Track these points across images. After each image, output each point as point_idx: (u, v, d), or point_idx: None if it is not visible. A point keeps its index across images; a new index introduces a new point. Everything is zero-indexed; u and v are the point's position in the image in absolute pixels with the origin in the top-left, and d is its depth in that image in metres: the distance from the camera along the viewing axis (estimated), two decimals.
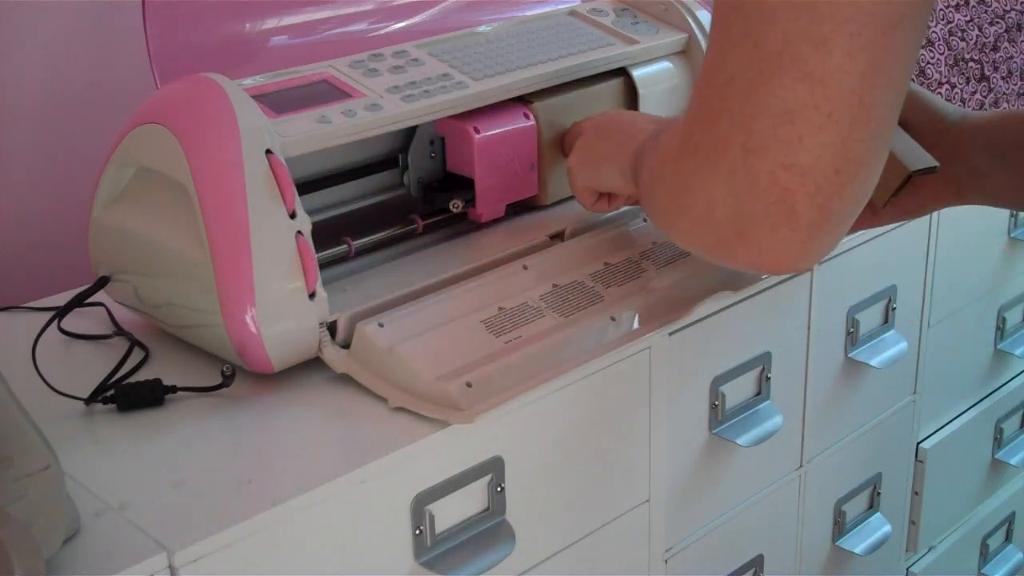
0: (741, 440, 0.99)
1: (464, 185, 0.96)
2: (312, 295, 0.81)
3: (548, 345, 0.84)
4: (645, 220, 0.99)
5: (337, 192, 0.97)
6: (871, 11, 0.54)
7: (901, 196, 0.88)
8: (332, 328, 0.83)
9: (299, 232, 0.80)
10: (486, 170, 0.96)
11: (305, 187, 0.91)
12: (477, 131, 0.94)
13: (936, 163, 0.86)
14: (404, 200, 0.99)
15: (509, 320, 0.85)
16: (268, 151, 0.80)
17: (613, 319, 0.88)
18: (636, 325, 0.89)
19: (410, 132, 0.97)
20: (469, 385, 0.78)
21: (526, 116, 0.98)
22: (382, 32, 1.09)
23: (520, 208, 1.02)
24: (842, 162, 0.57)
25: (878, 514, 1.26)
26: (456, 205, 0.96)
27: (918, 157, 0.86)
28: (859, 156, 0.58)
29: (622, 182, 0.89)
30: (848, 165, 0.58)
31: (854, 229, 0.93)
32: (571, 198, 1.01)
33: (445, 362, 0.80)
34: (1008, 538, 1.54)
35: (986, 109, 1.97)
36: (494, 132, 0.95)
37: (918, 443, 1.32)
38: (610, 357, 0.86)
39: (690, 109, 0.63)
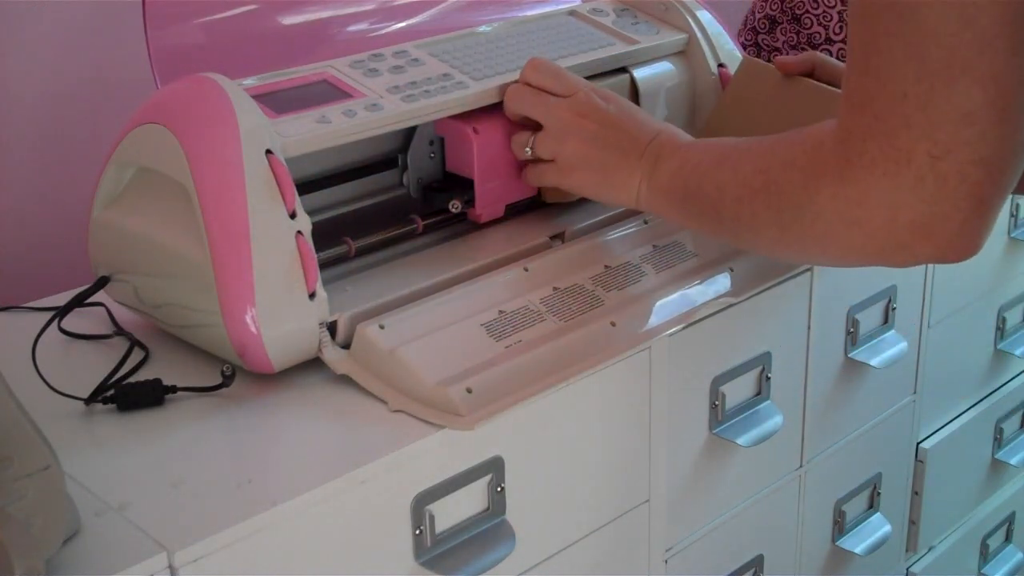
0: (741, 440, 0.99)
1: (463, 185, 0.96)
2: (312, 295, 0.81)
3: (548, 351, 0.84)
4: (647, 222, 0.99)
5: (336, 192, 0.97)
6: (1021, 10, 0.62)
7: None
8: (332, 328, 0.83)
9: (299, 232, 0.80)
10: (485, 170, 0.96)
11: (305, 187, 0.91)
12: (476, 131, 0.94)
13: None
14: (403, 200, 0.99)
15: (509, 324, 0.85)
16: (268, 151, 0.80)
17: (613, 324, 0.88)
18: (636, 331, 0.89)
19: (409, 132, 0.97)
20: (469, 391, 0.78)
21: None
22: (382, 32, 1.08)
23: (520, 208, 1.02)
24: (1016, 144, 0.64)
25: (878, 514, 1.26)
26: (455, 205, 0.96)
27: None
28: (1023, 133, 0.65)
29: (630, 195, 0.90)
30: (1018, 145, 0.65)
31: None
32: (571, 200, 1.01)
33: (445, 366, 0.80)
34: (1008, 538, 1.54)
35: None
36: (494, 132, 0.95)
37: (918, 443, 1.32)
38: (610, 358, 0.86)
39: (850, 129, 0.67)
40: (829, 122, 0.71)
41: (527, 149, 0.93)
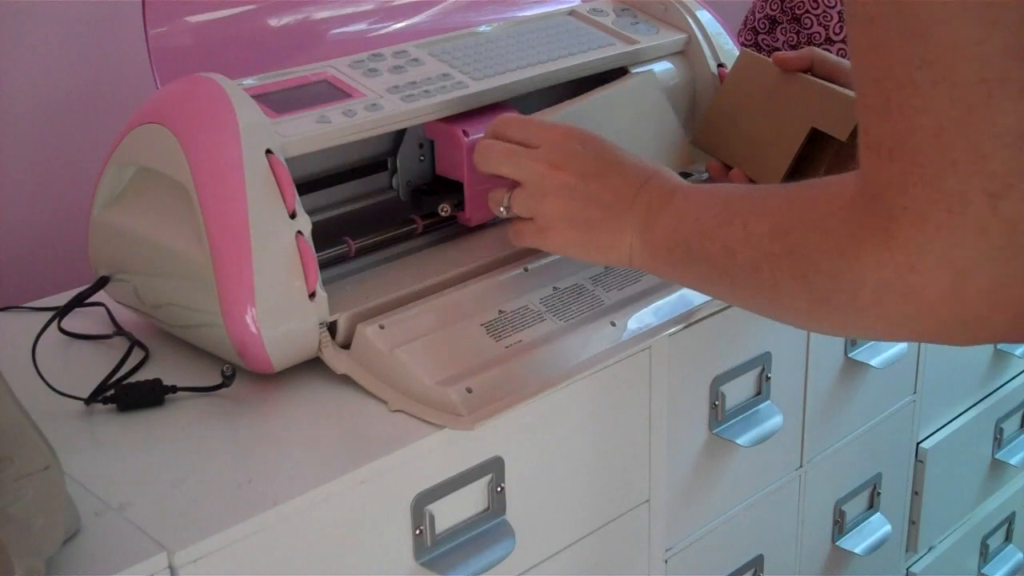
0: (741, 440, 0.99)
1: (453, 188, 0.96)
2: (312, 295, 0.81)
3: (548, 351, 0.84)
4: None
5: (331, 194, 0.96)
6: None
7: (854, 166, 0.91)
8: (332, 328, 0.83)
9: (299, 232, 0.80)
10: (475, 173, 0.95)
11: (304, 187, 0.91)
12: (466, 134, 0.94)
13: None
14: (393, 204, 0.99)
15: (509, 324, 0.85)
16: (268, 151, 0.80)
17: (613, 324, 0.88)
18: (636, 331, 0.89)
19: (399, 135, 0.97)
20: (469, 391, 0.78)
21: None
22: (382, 32, 1.08)
23: None
24: None
25: (878, 514, 1.26)
26: (445, 209, 0.95)
27: None
28: None
29: (620, 255, 0.80)
30: None
31: None
32: None
33: (445, 366, 0.80)
34: (1008, 538, 1.54)
35: None
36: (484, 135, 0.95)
37: (918, 443, 1.32)
38: (610, 357, 0.86)
39: (883, 181, 0.57)
40: (849, 176, 0.61)
41: (502, 208, 0.84)
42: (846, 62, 0.95)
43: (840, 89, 0.93)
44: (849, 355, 1.13)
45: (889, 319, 0.59)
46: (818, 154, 0.95)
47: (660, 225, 0.76)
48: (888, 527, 1.25)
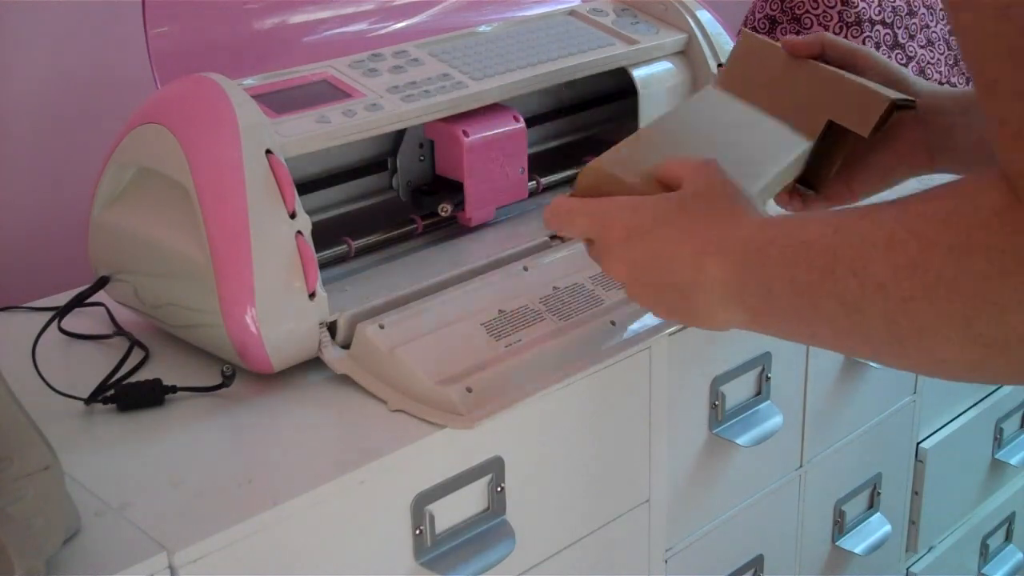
0: (741, 440, 0.99)
1: (453, 188, 0.96)
2: (312, 295, 0.81)
3: (548, 350, 0.84)
4: None
5: (330, 194, 0.96)
6: None
7: (871, 161, 0.86)
8: (332, 328, 0.83)
9: (299, 232, 0.80)
10: (475, 174, 0.95)
11: (304, 187, 0.91)
12: (466, 134, 0.94)
13: (914, 99, 0.84)
14: (393, 204, 0.99)
15: (509, 323, 0.85)
16: (268, 151, 0.80)
17: (613, 323, 0.88)
18: (636, 331, 0.89)
19: (399, 135, 0.97)
20: (469, 390, 0.78)
21: (516, 119, 0.98)
22: (382, 32, 1.08)
23: (515, 208, 1.02)
24: None
25: (878, 514, 1.26)
26: (445, 209, 0.95)
27: (896, 93, 0.84)
28: None
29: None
30: None
31: (833, 204, 0.91)
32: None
33: (445, 366, 0.80)
34: (1008, 538, 1.54)
35: None
36: (484, 135, 0.95)
37: (918, 443, 1.31)
38: (610, 357, 0.86)
39: None
40: (986, 174, 0.50)
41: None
42: (861, 47, 0.88)
43: (858, 79, 0.84)
44: None
45: None
46: (830, 151, 0.86)
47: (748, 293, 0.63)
48: (888, 527, 1.25)
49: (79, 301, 0.91)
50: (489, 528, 0.81)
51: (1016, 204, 0.47)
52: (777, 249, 0.61)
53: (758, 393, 1.03)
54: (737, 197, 0.68)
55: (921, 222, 0.51)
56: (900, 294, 0.51)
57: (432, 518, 0.77)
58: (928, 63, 1.71)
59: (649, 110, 1.06)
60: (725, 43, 1.10)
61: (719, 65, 1.08)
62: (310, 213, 0.82)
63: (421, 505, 0.77)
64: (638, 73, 1.06)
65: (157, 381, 0.81)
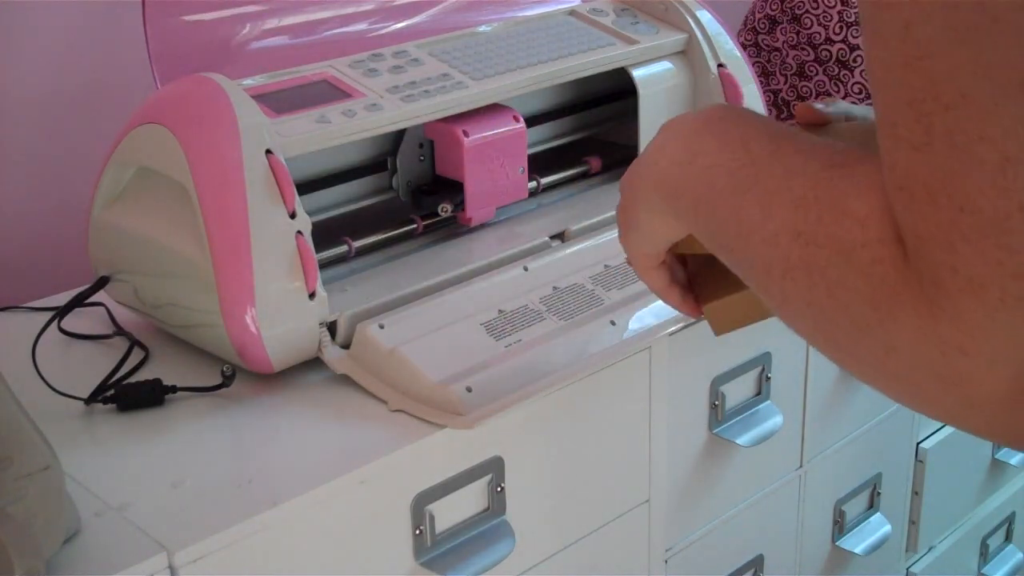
0: (741, 440, 0.99)
1: (453, 188, 0.96)
2: (312, 295, 0.81)
3: (548, 350, 0.84)
4: None
5: (330, 194, 0.96)
6: None
7: None
8: (332, 328, 0.83)
9: (299, 232, 0.80)
10: (475, 174, 0.95)
11: (304, 187, 0.91)
12: (466, 134, 0.94)
13: None
14: (393, 204, 0.99)
15: (509, 323, 0.85)
16: (268, 151, 0.80)
17: (613, 323, 0.88)
18: (636, 331, 0.89)
19: (399, 135, 0.97)
20: (469, 390, 0.78)
21: (516, 119, 0.98)
22: (382, 32, 1.08)
23: (515, 208, 1.02)
24: None
25: (878, 514, 1.26)
26: (445, 209, 0.95)
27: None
28: None
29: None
30: None
31: None
32: (566, 196, 1.00)
33: (446, 366, 0.80)
34: (1008, 538, 1.54)
35: None
36: (484, 135, 0.95)
37: (918, 443, 1.31)
38: (610, 357, 0.86)
39: (923, 234, 0.42)
40: (874, 208, 0.44)
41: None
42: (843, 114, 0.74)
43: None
44: None
45: (926, 401, 0.45)
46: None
47: (664, 157, 0.58)
48: (888, 527, 1.25)
49: (79, 301, 0.91)
50: (489, 528, 0.81)
51: (902, 260, 0.43)
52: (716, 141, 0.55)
53: (758, 393, 1.03)
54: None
55: (823, 194, 0.47)
56: (787, 251, 0.48)
57: (432, 518, 0.77)
58: None
59: (649, 110, 1.06)
60: (725, 43, 1.10)
61: (719, 65, 1.08)
62: (310, 213, 0.82)
63: (421, 505, 0.77)
64: (638, 73, 1.06)
65: (157, 381, 0.81)
